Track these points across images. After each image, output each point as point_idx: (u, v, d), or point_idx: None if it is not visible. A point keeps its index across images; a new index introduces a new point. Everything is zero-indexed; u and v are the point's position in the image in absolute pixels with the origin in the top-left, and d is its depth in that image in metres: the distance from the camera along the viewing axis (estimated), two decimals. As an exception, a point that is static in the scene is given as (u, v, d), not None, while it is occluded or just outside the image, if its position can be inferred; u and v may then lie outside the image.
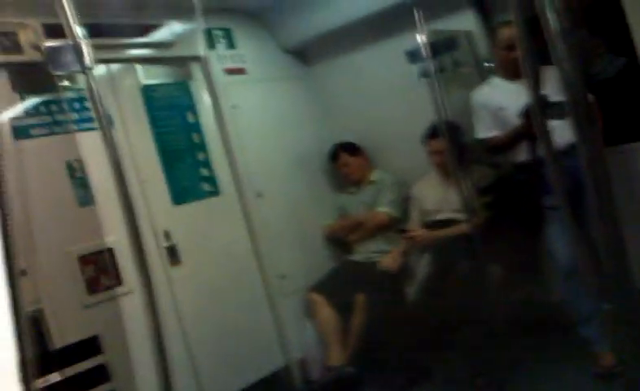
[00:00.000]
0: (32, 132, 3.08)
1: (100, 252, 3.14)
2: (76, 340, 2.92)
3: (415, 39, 3.20)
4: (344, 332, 3.87)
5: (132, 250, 2.04)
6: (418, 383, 3.51)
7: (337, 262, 4.32)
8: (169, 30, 3.72)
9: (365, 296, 3.86)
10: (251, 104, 4.13)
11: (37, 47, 2.98)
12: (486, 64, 3.66)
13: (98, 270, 3.14)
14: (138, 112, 3.62)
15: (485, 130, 3.30)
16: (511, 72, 3.12)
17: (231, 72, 4.09)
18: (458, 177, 3.35)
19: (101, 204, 3.11)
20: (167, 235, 3.56)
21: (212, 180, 3.89)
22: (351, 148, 4.28)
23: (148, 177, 3.53)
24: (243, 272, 3.91)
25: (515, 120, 3.03)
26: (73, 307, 3.03)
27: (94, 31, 2.14)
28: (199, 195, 3.82)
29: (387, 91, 4.01)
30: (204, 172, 3.87)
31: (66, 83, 3.20)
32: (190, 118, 3.88)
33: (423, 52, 3.21)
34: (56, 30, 2.02)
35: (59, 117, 3.19)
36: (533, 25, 1.51)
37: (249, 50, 4.23)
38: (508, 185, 3.36)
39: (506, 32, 3.09)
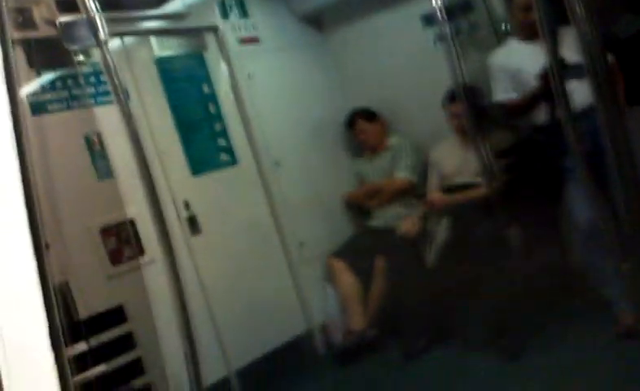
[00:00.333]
0: (50, 107, 3.10)
1: (122, 224, 3.18)
2: (102, 310, 2.99)
3: (430, 3, 3.15)
4: (365, 297, 3.91)
5: (153, 221, 2.07)
6: (439, 344, 3.55)
7: (356, 229, 4.34)
8: (182, 1, 3.71)
9: (384, 261, 3.89)
10: (266, 73, 4.12)
11: (51, 23, 2.98)
12: (503, 26, 3.60)
13: (120, 241, 3.19)
14: (153, 85, 3.62)
15: (503, 93, 3.27)
16: (528, 34, 3.07)
17: (245, 41, 4.07)
18: (477, 140, 3.33)
19: (120, 176, 3.14)
20: (187, 206, 3.59)
21: (229, 150, 3.91)
22: (368, 114, 4.26)
23: (166, 149, 3.55)
24: (263, 240, 3.94)
25: (533, 82, 2.99)
26: (97, 278, 3.08)
27: (107, 4, 2.14)
28: (218, 166, 3.84)
29: (403, 56, 3.97)
30: (222, 142, 3.89)
31: (81, 57, 3.21)
32: (206, 89, 3.88)
33: (439, 15, 3.16)
34: (70, 5, 2.02)
35: (76, 92, 3.21)
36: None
37: (262, 18, 4.20)
38: (527, 147, 3.33)
39: (523, -7, 3.04)
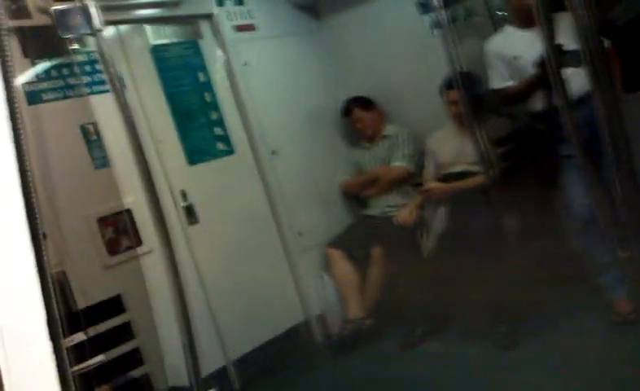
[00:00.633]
0: (45, 97, 3.09)
1: (119, 214, 3.18)
2: (100, 300, 2.99)
3: (426, -11, 3.14)
4: (362, 286, 3.92)
5: (150, 210, 2.06)
6: (437, 333, 3.56)
7: (353, 218, 4.34)
8: (177, -12, 3.69)
9: (381, 250, 3.89)
10: (262, 61, 4.10)
11: (45, 11, 2.96)
12: (499, 13, 3.59)
13: (118, 231, 3.19)
14: (148, 73, 3.61)
15: (500, 80, 3.26)
16: (525, 21, 3.05)
17: (241, 28, 4.05)
18: (473, 128, 3.32)
19: (117, 166, 3.13)
20: (184, 195, 3.59)
21: (226, 139, 3.90)
22: (364, 103, 4.24)
23: (162, 138, 3.55)
24: (260, 229, 3.94)
25: (529, 70, 2.98)
26: (95, 268, 3.09)
27: (102, -8, 2.12)
28: (214, 155, 3.83)
29: (400, 44, 3.96)
30: (218, 131, 3.87)
31: (76, 46, 3.19)
32: (201, 77, 3.86)
33: (435, 2, 3.15)
34: (64, -7, 2.01)
35: (71, 81, 3.20)
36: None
37: (258, 5, 4.17)
38: (524, 135, 3.33)
39: (519, -21, 3.03)
